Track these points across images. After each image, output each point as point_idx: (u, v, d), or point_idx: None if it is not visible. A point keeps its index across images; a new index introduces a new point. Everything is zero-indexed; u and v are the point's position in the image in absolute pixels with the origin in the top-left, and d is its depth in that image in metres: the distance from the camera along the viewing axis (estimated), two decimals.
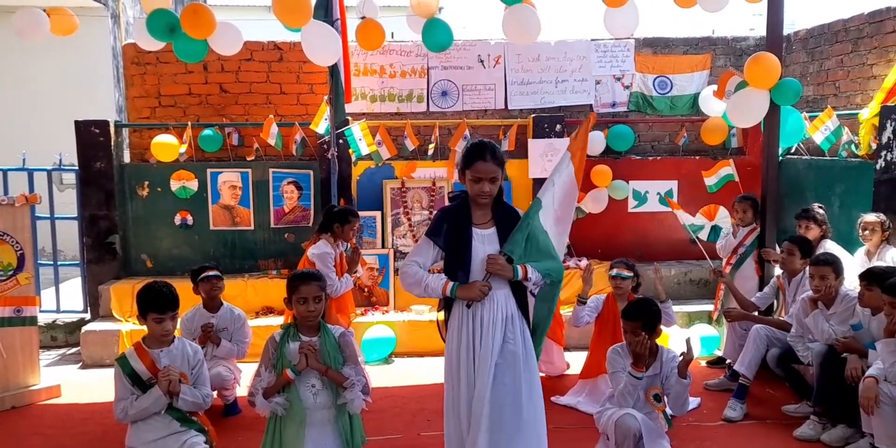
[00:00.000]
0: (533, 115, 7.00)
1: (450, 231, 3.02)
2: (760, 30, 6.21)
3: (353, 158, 6.58)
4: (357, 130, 6.22)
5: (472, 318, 3.00)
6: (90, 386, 5.23)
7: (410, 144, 6.74)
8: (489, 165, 2.94)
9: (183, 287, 6.09)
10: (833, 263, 4.20)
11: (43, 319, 6.36)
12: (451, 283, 2.97)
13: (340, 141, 6.17)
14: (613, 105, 7.40)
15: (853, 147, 5.77)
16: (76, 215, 6.60)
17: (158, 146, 6.45)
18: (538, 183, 6.72)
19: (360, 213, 6.28)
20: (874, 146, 5.40)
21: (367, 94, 7.18)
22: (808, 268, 4.54)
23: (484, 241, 3.01)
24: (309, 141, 6.67)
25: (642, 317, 3.57)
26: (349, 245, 5.00)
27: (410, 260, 3.07)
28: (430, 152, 6.87)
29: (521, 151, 6.90)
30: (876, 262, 4.62)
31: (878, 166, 5.26)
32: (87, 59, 8.75)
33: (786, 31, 6.22)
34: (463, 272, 2.98)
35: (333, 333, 3.15)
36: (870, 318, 3.99)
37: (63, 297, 6.57)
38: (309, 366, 3.00)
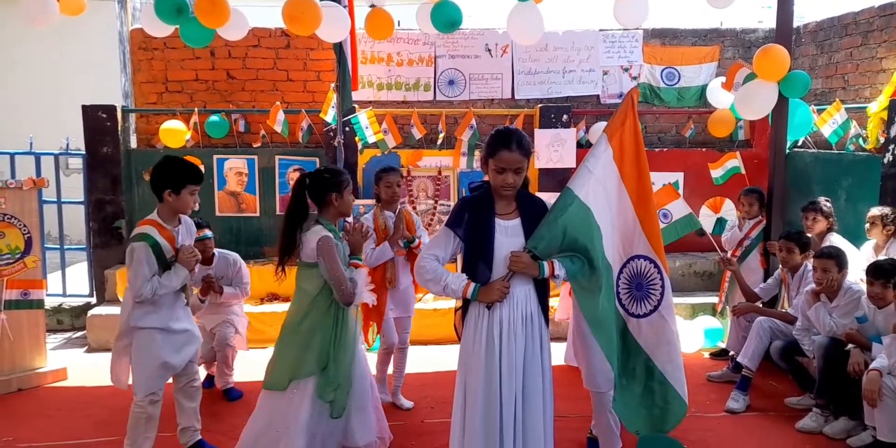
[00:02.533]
0: (540, 105, 6.98)
1: (471, 222, 2.81)
2: (769, 22, 6.19)
3: (360, 146, 6.58)
4: (363, 118, 6.22)
5: (490, 319, 2.82)
6: (96, 369, 5.24)
7: (417, 133, 6.74)
8: (514, 155, 2.74)
9: None
10: (836, 257, 4.21)
11: (49, 303, 6.38)
12: (472, 286, 2.78)
13: (347, 129, 6.16)
14: (620, 96, 7.37)
15: (861, 141, 5.75)
16: (83, 200, 6.62)
17: (167, 132, 6.46)
18: (544, 173, 6.72)
19: (365, 201, 6.30)
20: (882, 140, 5.39)
21: (373, 83, 7.17)
22: (808, 261, 4.55)
23: (507, 233, 2.81)
24: (315, 128, 6.67)
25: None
26: (401, 210, 4.36)
27: (428, 253, 2.87)
28: (440, 142, 6.86)
29: None
30: (882, 257, 4.62)
31: (885, 160, 5.24)
32: (95, 44, 8.74)
33: (795, 24, 6.18)
34: (485, 266, 2.79)
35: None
36: (875, 311, 3.99)
37: (69, 282, 6.60)
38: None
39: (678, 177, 7.05)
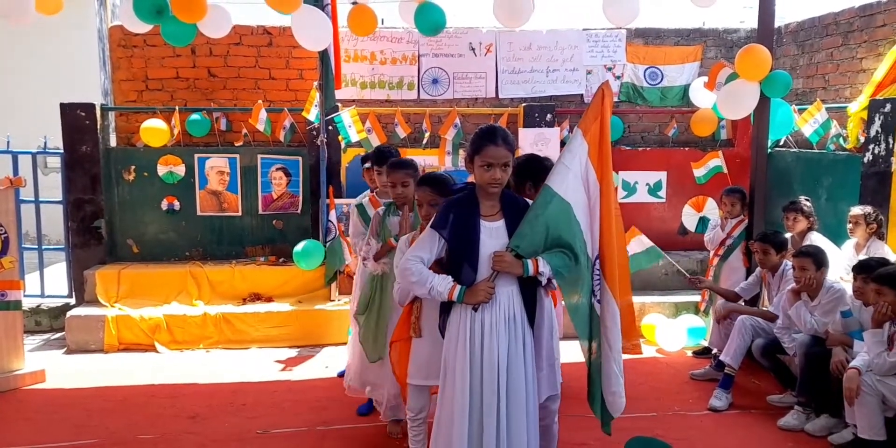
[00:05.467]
0: (524, 105, 6.98)
1: (456, 223, 2.80)
2: (751, 22, 6.21)
3: (343, 145, 6.54)
4: (347, 117, 6.18)
5: (472, 320, 2.79)
6: (75, 371, 5.19)
7: (402, 132, 6.71)
8: (500, 150, 2.75)
9: (172, 272, 6.17)
10: (814, 255, 4.23)
11: (27, 304, 6.28)
12: (458, 288, 2.76)
13: (330, 127, 6.12)
14: (613, 96, 7.38)
15: (841, 140, 5.80)
16: (61, 199, 6.52)
17: (148, 131, 6.38)
18: None
19: (349, 201, 6.25)
20: (862, 139, 5.43)
21: (357, 81, 7.13)
22: (788, 260, 4.59)
23: (492, 235, 2.80)
24: (298, 127, 6.62)
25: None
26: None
27: (413, 255, 2.84)
28: (425, 141, 6.84)
29: None
30: (863, 256, 4.66)
31: (865, 160, 5.29)
32: (73, 41, 8.60)
33: (776, 24, 6.22)
34: (470, 268, 2.78)
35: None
36: (862, 308, 4.02)
37: (48, 282, 6.50)
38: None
39: (661, 176, 7.08)
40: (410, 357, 3.20)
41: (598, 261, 2.90)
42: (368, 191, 4.50)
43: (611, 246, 2.90)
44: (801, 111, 5.99)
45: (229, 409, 4.45)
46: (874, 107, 5.25)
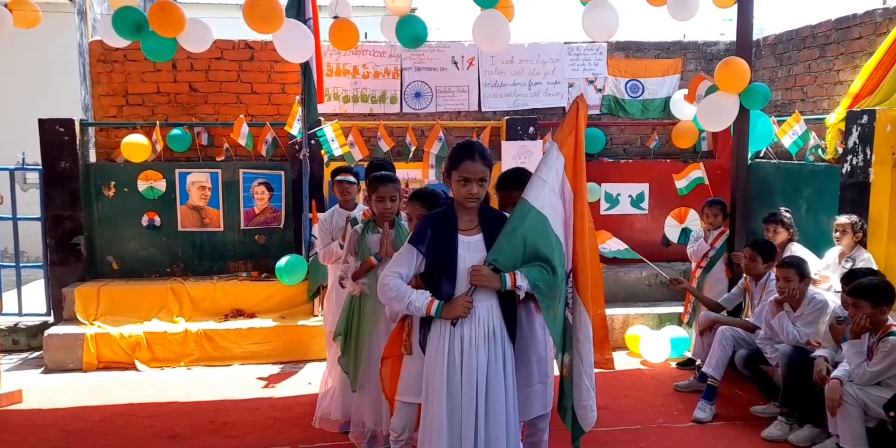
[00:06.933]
0: (506, 118, 7.00)
1: (434, 238, 2.80)
2: (731, 35, 6.30)
3: (326, 159, 6.52)
4: (329, 131, 6.17)
5: (452, 335, 2.78)
6: (53, 391, 5.10)
7: (385, 145, 6.70)
8: (478, 165, 2.76)
9: (153, 289, 6.10)
10: (797, 266, 4.26)
11: (4, 322, 6.22)
12: (436, 303, 2.75)
13: (312, 141, 6.11)
14: (588, 109, 7.43)
15: (820, 151, 5.86)
16: (39, 216, 6.45)
17: (129, 146, 6.33)
18: None
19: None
20: (840, 150, 5.49)
21: (339, 95, 7.12)
22: (772, 271, 4.60)
23: (470, 249, 2.80)
24: (280, 141, 6.60)
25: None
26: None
27: (391, 271, 2.82)
28: (411, 155, 6.83)
29: (494, 154, 6.86)
30: (846, 264, 4.70)
31: (844, 170, 5.34)
32: (53, 55, 8.58)
33: (755, 37, 6.29)
34: (448, 282, 2.77)
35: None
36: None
37: (25, 300, 6.41)
38: (388, 254, 3.50)
39: (644, 187, 7.11)
40: (401, 374, 3.16)
41: (570, 272, 2.91)
42: (361, 207, 4.51)
43: (584, 258, 2.90)
44: (780, 123, 6.05)
45: (210, 427, 4.39)
46: (851, 118, 5.31)
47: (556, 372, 3.03)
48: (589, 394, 2.90)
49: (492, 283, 2.75)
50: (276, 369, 5.58)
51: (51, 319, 6.26)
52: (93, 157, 6.78)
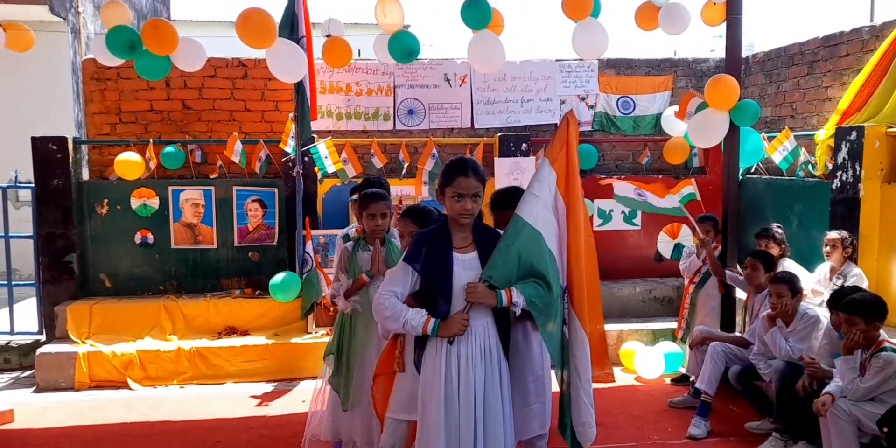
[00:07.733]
0: (499, 134, 7.05)
1: (429, 256, 2.79)
2: (720, 52, 6.36)
3: (319, 176, 6.54)
4: (323, 148, 6.19)
5: (448, 352, 2.76)
6: (45, 410, 5.06)
7: (378, 162, 6.73)
8: (471, 181, 2.77)
9: (145, 307, 6.08)
10: (789, 282, 4.28)
11: None
12: (432, 321, 2.73)
13: (306, 159, 6.12)
14: (578, 124, 7.49)
15: (810, 167, 5.92)
16: (32, 234, 6.42)
17: (122, 164, 6.33)
18: None
19: (325, 232, 6.23)
20: (830, 166, 5.55)
21: (333, 112, 7.16)
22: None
23: (465, 267, 2.79)
24: (274, 158, 6.61)
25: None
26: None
27: (387, 290, 2.80)
28: (404, 172, 6.86)
29: (487, 170, 6.90)
30: (837, 280, 4.73)
31: (834, 186, 5.39)
32: (46, 73, 8.57)
33: (744, 54, 6.38)
34: (444, 300, 2.76)
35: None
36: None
37: (17, 318, 6.36)
38: (379, 271, 3.54)
39: None
40: (393, 391, 3.14)
41: (566, 288, 2.91)
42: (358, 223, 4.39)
43: (580, 273, 2.91)
44: (770, 139, 6.11)
45: (204, 446, 4.36)
46: (840, 135, 5.37)
47: (556, 388, 3.03)
48: (588, 410, 2.90)
49: (487, 299, 2.74)
50: (269, 387, 5.55)
51: (43, 338, 6.22)
52: (86, 175, 6.78)
